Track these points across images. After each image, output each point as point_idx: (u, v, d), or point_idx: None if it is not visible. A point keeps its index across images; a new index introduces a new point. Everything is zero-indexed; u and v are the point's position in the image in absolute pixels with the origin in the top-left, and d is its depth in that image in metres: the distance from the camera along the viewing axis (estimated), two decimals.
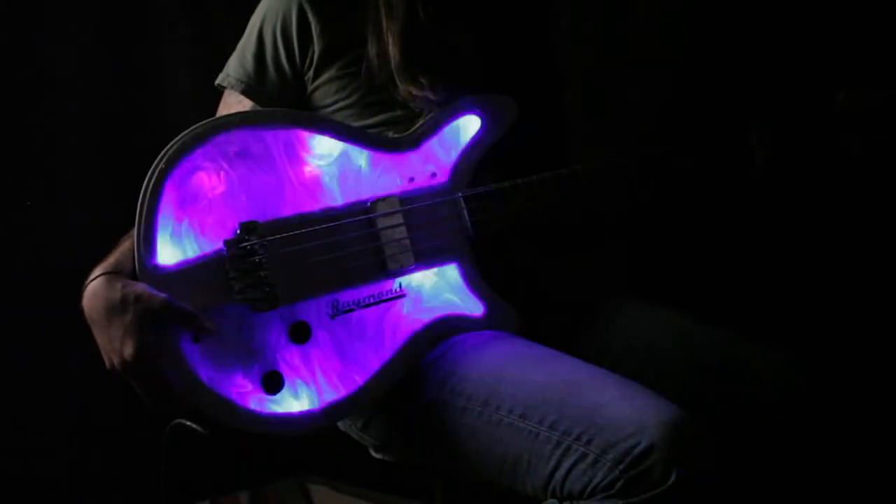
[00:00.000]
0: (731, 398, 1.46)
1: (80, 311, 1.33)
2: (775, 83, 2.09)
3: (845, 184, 1.97)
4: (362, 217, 1.44)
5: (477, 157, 1.51)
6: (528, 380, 1.33)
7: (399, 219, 1.45)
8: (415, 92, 1.49)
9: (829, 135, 1.57)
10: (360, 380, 1.40)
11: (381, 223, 1.44)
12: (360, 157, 1.46)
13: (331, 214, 1.42)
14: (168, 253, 1.33)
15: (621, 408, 1.24)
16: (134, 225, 1.33)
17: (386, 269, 1.43)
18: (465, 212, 1.48)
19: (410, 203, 1.46)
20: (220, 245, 1.35)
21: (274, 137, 1.41)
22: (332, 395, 1.38)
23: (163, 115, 2.45)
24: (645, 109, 2.30)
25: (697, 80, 2.23)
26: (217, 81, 1.60)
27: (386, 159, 1.47)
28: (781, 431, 1.44)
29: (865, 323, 2.07)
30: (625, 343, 1.54)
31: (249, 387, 1.34)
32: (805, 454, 1.45)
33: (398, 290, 1.45)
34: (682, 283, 2.19)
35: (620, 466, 1.20)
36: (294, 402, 1.36)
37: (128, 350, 1.28)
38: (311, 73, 1.54)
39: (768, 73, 2.11)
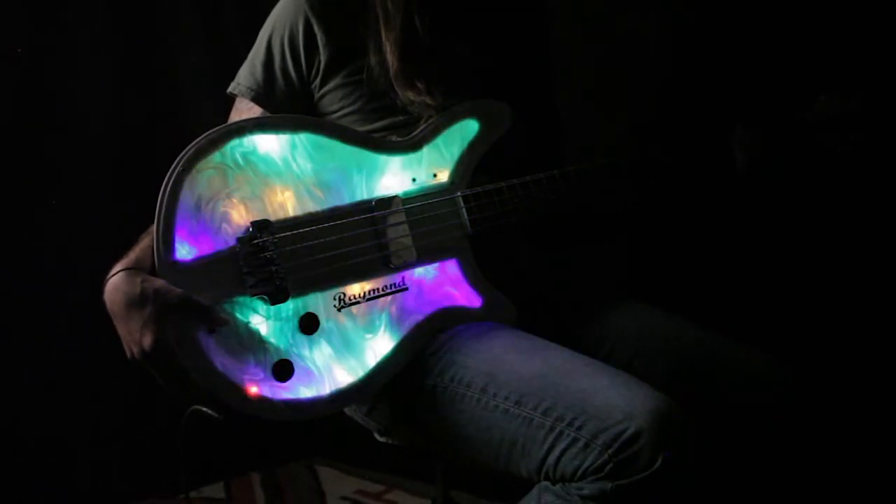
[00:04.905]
0: (716, 396, 1.45)
1: (102, 305, 1.33)
2: (758, 86, 2.08)
3: (827, 185, 1.96)
4: (367, 215, 1.44)
5: (475, 158, 1.51)
6: (523, 368, 1.33)
7: (402, 217, 1.45)
8: (413, 97, 1.49)
9: (810, 136, 1.56)
10: (365, 368, 1.40)
11: (384, 221, 1.44)
12: (365, 159, 1.46)
13: (337, 213, 1.42)
14: (185, 250, 1.33)
15: (611, 395, 1.24)
16: (153, 223, 1.33)
17: (389, 264, 1.43)
18: (464, 210, 1.48)
19: (412, 202, 1.46)
20: (233, 242, 1.35)
21: (284, 141, 1.41)
22: (338, 383, 1.38)
23: (179, 121, 2.46)
24: (634, 112, 2.29)
25: (685, 83, 2.22)
26: (229, 89, 1.60)
27: (389, 161, 1.47)
28: (764, 429, 1.44)
29: (852, 325, 2.06)
30: (617, 338, 1.53)
31: (261, 375, 1.34)
32: (786, 452, 1.46)
33: (401, 283, 1.44)
34: (675, 283, 2.18)
35: (610, 451, 1.20)
36: (303, 389, 1.36)
37: (147, 341, 1.28)
38: (317, 82, 1.54)
39: (752, 77, 2.10)
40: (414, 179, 1.48)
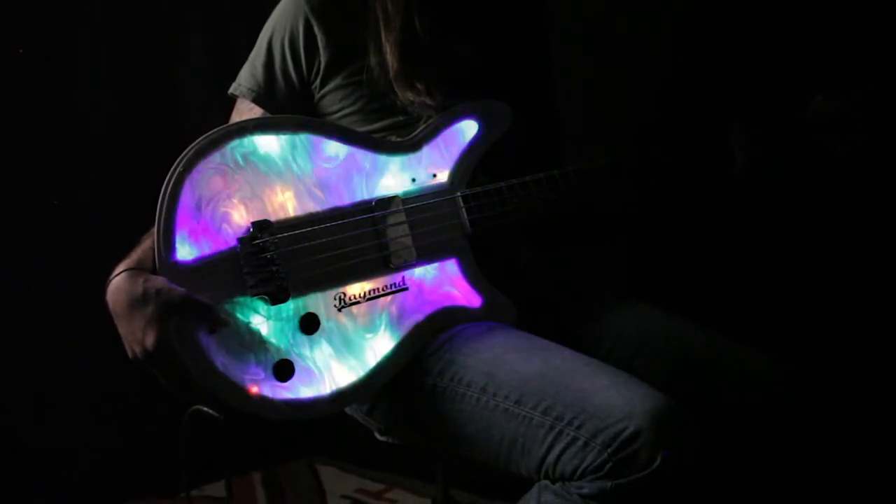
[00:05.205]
0: (716, 396, 1.46)
1: (104, 305, 1.34)
2: (757, 86, 2.09)
3: (827, 184, 1.97)
4: (367, 215, 1.44)
5: (474, 158, 1.52)
6: (523, 368, 1.33)
7: (402, 217, 1.46)
8: (413, 98, 1.49)
9: (807, 136, 1.56)
10: (365, 368, 1.40)
11: (384, 221, 1.45)
12: (365, 159, 1.46)
13: (338, 213, 1.43)
14: (186, 250, 1.33)
15: (611, 395, 1.25)
16: (154, 224, 1.34)
17: (389, 264, 1.44)
18: (463, 210, 1.48)
19: (412, 202, 1.47)
20: (234, 242, 1.36)
21: (285, 142, 1.42)
22: (339, 383, 1.38)
23: (180, 122, 2.46)
24: (634, 112, 2.30)
25: (685, 83, 2.23)
26: (230, 90, 1.60)
27: (389, 161, 1.48)
28: (763, 429, 1.45)
29: (852, 325, 2.06)
30: (617, 338, 1.54)
31: (262, 375, 1.34)
32: (785, 452, 1.46)
33: (401, 283, 1.45)
34: (675, 283, 2.18)
35: (609, 450, 1.20)
36: (304, 389, 1.36)
37: (149, 340, 1.29)
38: (317, 83, 1.54)
39: (751, 77, 2.11)
40: (413, 179, 1.49)
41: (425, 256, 1.46)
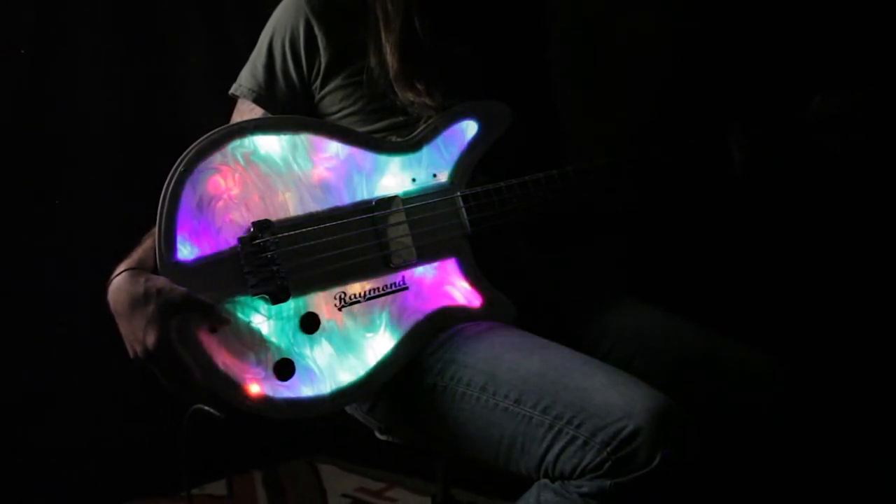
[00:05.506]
0: (716, 396, 1.46)
1: (105, 305, 1.34)
2: (757, 86, 2.09)
3: (826, 184, 1.97)
4: (367, 215, 1.45)
5: (474, 158, 1.53)
6: (522, 367, 1.34)
7: (402, 217, 1.46)
8: (413, 98, 1.50)
9: (807, 136, 1.57)
10: (365, 367, 1.41)
11: (384, 221, 1.45)
12: (365, 159, 1.47)
13: (338, 213, 1.44)
14: (187, 250, 1.34)
15: (610, 394, 1.25)
16: (155, 224, 1.34)
17: (390, 263, 1.45)
18: (463, 210, 1.49)
19: (412, 202, 1.48)
20: (235, 242, 1.37)
21: (285, 142, 1.42)
22: (339, 382, 1.39)
23: (181, 122, 2.47)
24: (634, 112, 2.30)
25: (683, 83, 2.23)
26: (231, 91, 1.61)
27: (389, 162, 1.49)
28: (763, 429, 1.45)
29: (852, 325, 2.06)
30: (617, 337, 1.54)
31: (262, 374, 1.35)
32: (785, 452, 1.46)
33: (401, 283, 1.46)
34: (675, 283, 2.19)
35: (608, 449, 1.21)
36: (304, 387, 1.37)
37: (150, 340, 1.29)
38: (318, 83, 1.55)
39: (751, 77, 2.11)
40: (414, 179, 1.50)
41: (425, 256, 1.47)
